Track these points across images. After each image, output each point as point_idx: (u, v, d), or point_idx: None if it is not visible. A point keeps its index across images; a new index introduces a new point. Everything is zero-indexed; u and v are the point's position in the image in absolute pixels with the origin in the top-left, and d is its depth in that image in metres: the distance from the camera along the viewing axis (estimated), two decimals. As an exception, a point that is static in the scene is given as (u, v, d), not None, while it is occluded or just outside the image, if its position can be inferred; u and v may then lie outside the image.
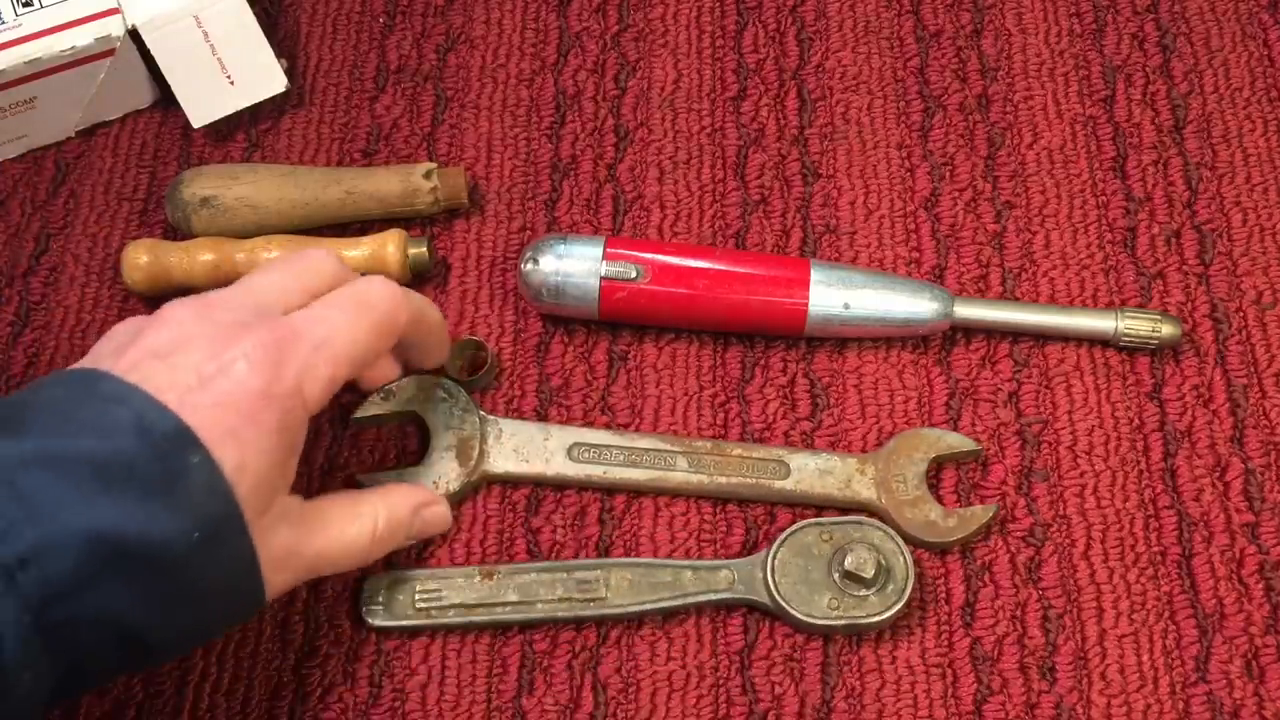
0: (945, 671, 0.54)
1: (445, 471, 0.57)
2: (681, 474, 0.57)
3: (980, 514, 0.56)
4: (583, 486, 0.58)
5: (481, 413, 0.58)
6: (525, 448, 0.58)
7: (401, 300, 0.52)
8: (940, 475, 0.58)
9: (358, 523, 0.51)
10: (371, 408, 0.58)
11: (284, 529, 0.47)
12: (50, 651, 0.42)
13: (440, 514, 0.55)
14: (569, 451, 0.58)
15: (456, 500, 0.57)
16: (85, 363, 0.48)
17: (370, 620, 0.55)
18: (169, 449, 0.43)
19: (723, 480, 0.57)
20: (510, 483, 0.58)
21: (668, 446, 0.58)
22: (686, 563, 0.56)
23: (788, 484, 0.57)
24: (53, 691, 0.43)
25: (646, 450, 0.58)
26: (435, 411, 0.58)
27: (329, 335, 0.49)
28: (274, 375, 0.46)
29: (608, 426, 0.59)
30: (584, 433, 0.58)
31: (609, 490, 0.58)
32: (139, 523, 0.42)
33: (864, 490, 0.57)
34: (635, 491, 0.58)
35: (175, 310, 0.48)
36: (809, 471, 0.57)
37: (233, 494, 0.44)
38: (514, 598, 0.55)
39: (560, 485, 0.58)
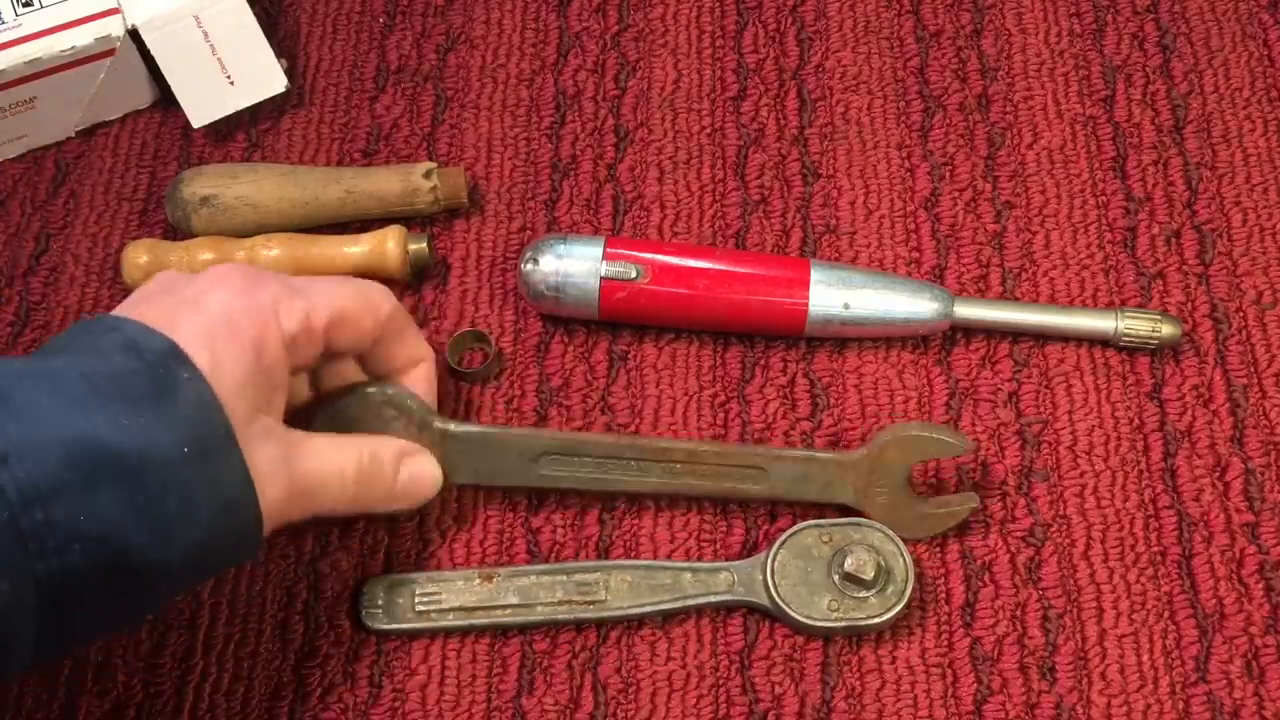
0: (945, 671, 0.54)
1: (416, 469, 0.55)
2: (658, 478, 0.56)
3: (962, 505, 0.56)
4: (559, 491, 0.57)
5: (442, 424, 0.55)
6: (490, 457, 0.56)
7: (384, 290, 0.54)
8: (936, 463, 0.58)
9: (344, 452, 0.51)
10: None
11: (271, 443, 0.48)
12: (31, 560, 0.41)
13: (425, 469, 0.54)
14: (537, 460, 0.56)
15: (420, 517, 0.57)
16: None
17: (370, 624, 0.55)
18: (159, 364, 0.45)
19: (708, 484, 0.56)
20: (485, 489, 0.58)
21: (645, 450, 0.56)
22: (686, 564, 0.56)
23: (768, 486, 0.56)
24: (38, 625, 0.42)
25: (624, 455, 0.56)
26: (386, 431, 0.55)
27: (309, 283, 0.51)
28: (248, 294, 0.49)
29: (579, 429, 0.59)
30: (552, 440, 0.56)
31: (584, 494, 0.58)
32: (126, 431, 0.43)
33: (846, 489, 0.56)
34: (614, 494, 0.58)
35: (171, 272, 0.52)
36: (790, 473, 0.56)
37: (222, 410, 0.45)
38: (514, 600, 0.55)
39: (536, 490, 0.57)
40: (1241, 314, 0.61)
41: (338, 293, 0.52)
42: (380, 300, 0.54)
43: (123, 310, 0.48)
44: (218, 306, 0.48)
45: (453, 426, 0.56)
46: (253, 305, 0.48)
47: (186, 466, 0.44)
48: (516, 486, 0.57)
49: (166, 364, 0.45)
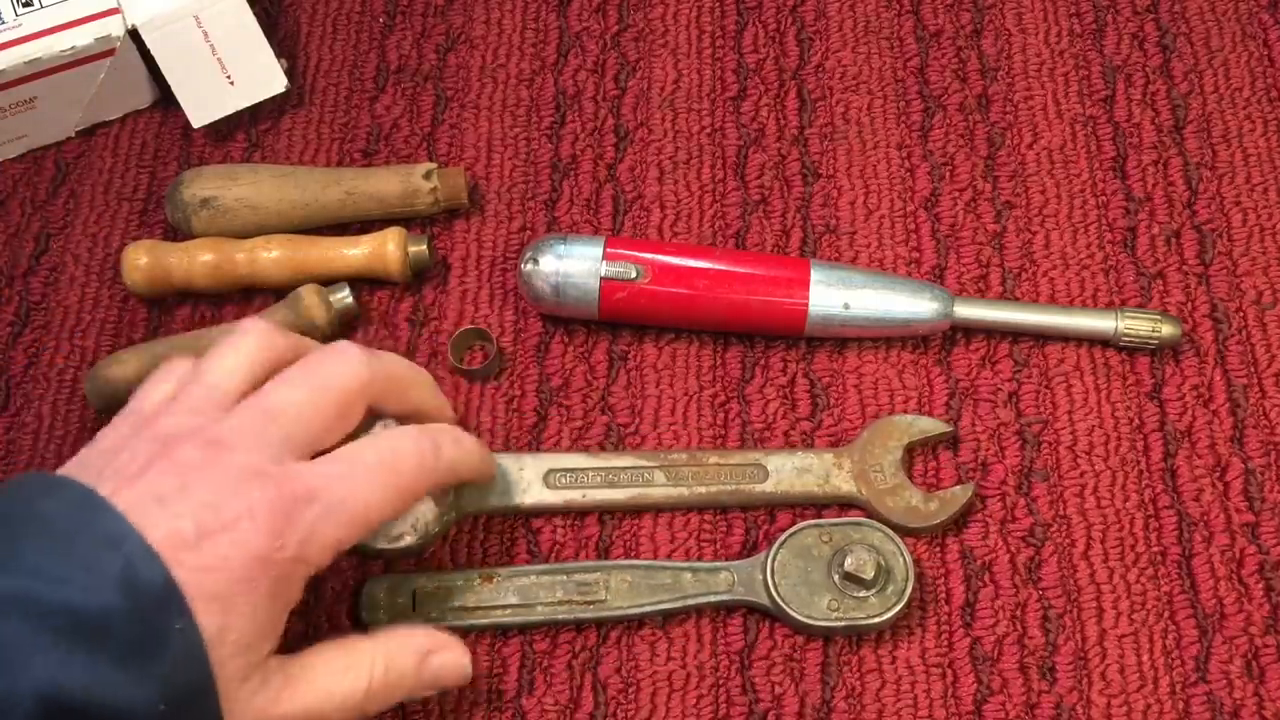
0: (945, 671, 0.54)
1: (421, 514, 0.54)
2: (660, 489, 0.57)
3: (960, 494, 0.56)
4: (563, 513, 0.57)
5: None
6: (501, 480, 0.57)
7: (431, 465, 0.49)
8: (936, 464, 0.58)
9: (349, 676, 0.47)
10: None
11: (261, 695, 0.44)
12: None
13: (454, 662, 0.50)
14: (545, 479, 0.57)
15: (434, 541, 0.56)
16: (91, 461, 0.45)
17: (370, 624, 0.55)
18: (153, 610, 0.42)
19: (702, 490, 0.57)
20: (492, 516, 0.57)
21: (644, 462, 0.57)
22: (686, 564, 0.56)
23: (767, 486, 0.57)
24: None
25: (624, 469, 0.57)
26: None
27: (345, 497, 0.46)
28: (276, 541, 0.44)
29: (584, 449, 0.59)
30: (559, 458, 0.58)
31: (588, 513, 0.58)
32: (105, 687, 0.40)
33: (843, 484, 0.57)
34: (617, 511, 0.58)
35: (189, 448, 0.45)
36: (787, 471, 0.57)
37: (210, 667, 0.42)
38: (514, 600, 0.55)
39: (540, 514, 0.57)
40: (1241, 314, 0.61)
41: (377, 501, 0.47)
42: (419, 487, 0.49)
43: (133, 508, 0.43)
44: (237, 553, 0.43)
45: None
46: (279, 554, 0.44)
47: None
48: (527, 507, 0.57)
49: (161, 612, 0.42)
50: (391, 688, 0.48)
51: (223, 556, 0.43)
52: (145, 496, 0.44)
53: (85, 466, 0.46)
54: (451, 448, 0.51)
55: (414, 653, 0.49)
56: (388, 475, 0.48)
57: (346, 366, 0.49)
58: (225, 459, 0.45)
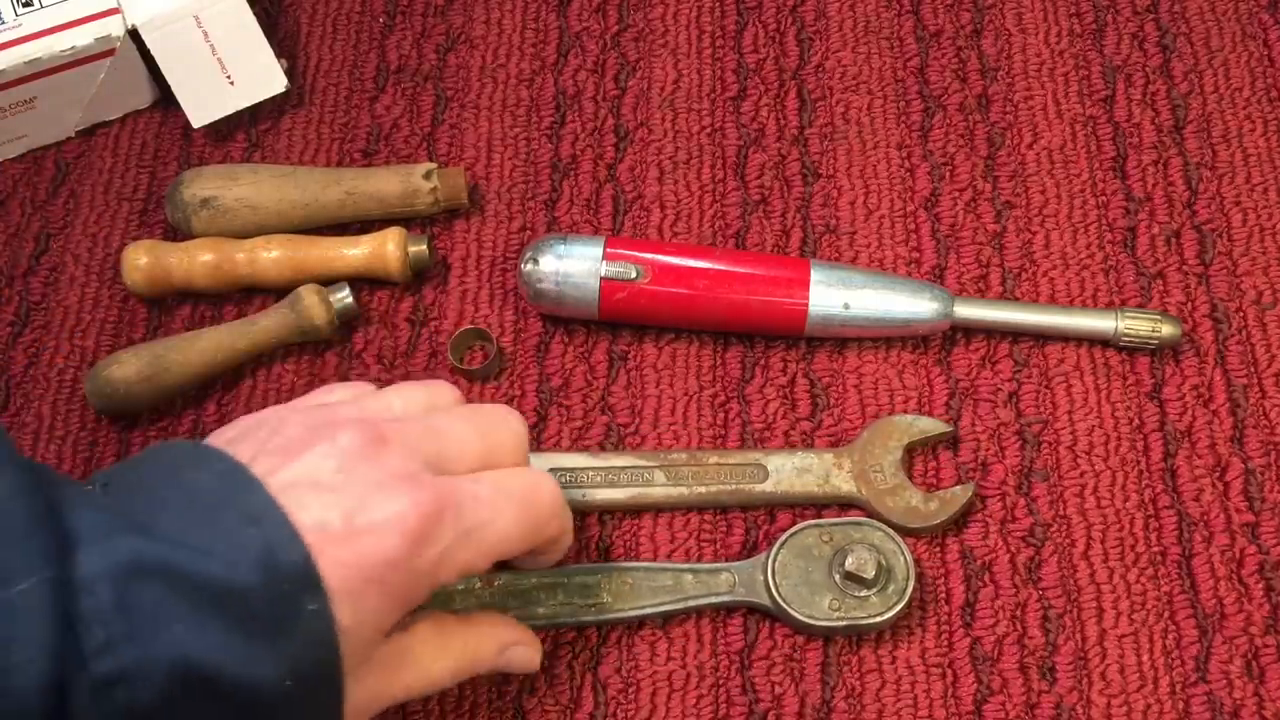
0: (945, 671, 0.54)
1: None
2: (661, 489, 0.57)
3: (960, 494, 0.56)
4: None
5: None
6: None
7: (560, 512, 0.50)
8: (936, 464, 0.58)
9: (443, 658, 0.49)
10: None
11: (372, 678, 0.46)
12: None
13: (527, 656, 0.52)
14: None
15: None
16: (251, 432, 0.46)
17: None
18: (289, 590, 0.42)
19: (702, 490, 0.57)
20: None
21: (644, 462, 0.57)
22: (686, 565, 0.56)
23: (767, 486, 0.57)
24: None
25: (624, 469, 0.57)
26: None
27: (487, 522, 0.47)
28: (417, 550, 0.44)
29: (584, 449, 0.59)
30: (558, 458, 0.58)
31: (588, 513, 0.58)
32: (236, 660, 0.41)
33: (843, 484, 0.57)
34: (617, 511, 0.58)
35: (352, 435, 0.46)
36: (787, 471, 0.57)
37: (338, 651, 0.43)
38: (515, 605, 0.55)
39: None
40: (1241, 314, 0.61)
41: (512, 534, 0.48)
42: (548, 529, 0.50)
43: (284, 490, 0.43)
44: (379, 554, 0.43)
45: None
46: (416, 563, 0.44)
47: (283, 699, 0.43)
48: None
49: (296, 592, 0.42)
50: (473, 669, 0.50)
51: (364, 555, 0.43)
52: (302, 478, 0.44)
53: (247, 434, 0.46)
54: (569, 516, 0.52)
55: (497, 641, 0.51)
56: (525, 508, 0.48)
57: (510, 422, 0.50)
58: (385, 455, 0.45)
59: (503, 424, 0.50)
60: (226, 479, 0.44)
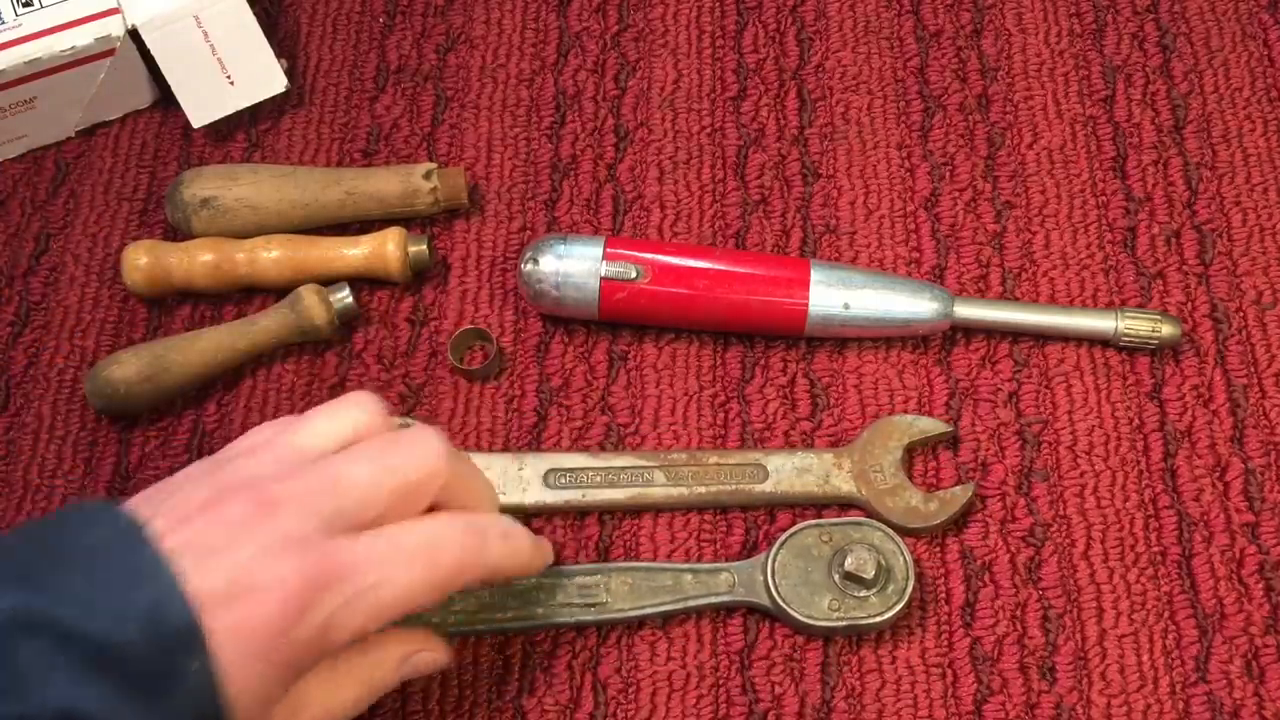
0: (945, 671, 0.54)
1: None
2: (661, 489, 0.57)
3: (960, 494, 0.56)
4: (563, 513, 0.58)
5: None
6: (499, 481, 0.57)
7: (472, 561, 0.48)
8: (936, 464, 0.58)
9: (340, 692, 0.48)
10: None
11: None
12: None
13: (431, 658, 0.51)
14: (545, 479, 0.57)
15: None
16: (160, 493, 0.46)
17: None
18: (172, 649, 0.42)
19: (702, 490, 0.57)
20: None
21: (644, 462, 0.57)
22: (686, 566, 0.56)
23: (767, 486, 0.57)
24: None
25: (624, 469, 0.57)
26: None
27: (381, 582, 0.46)
28: (299, 617, 0.44)
29: (584, 449, 0.59)
30: (559, 458, 0.58)
31: (588, 513, 0.58)
32: (117, 717, 0.41)
33: (843, 484, 0.57)
34: (617, 511, 0.58)
35: (245, 501, 0.45)
36: (787, 471, 0.57)
37: (221, 712, 0.43)
38: (515, 605, 0.55)
39: (540, 514, 0.57)
40: (1241, 314, 0.61)
41: (412, 594, 0.46)
42: (458, 581, 0.48)
43: (178, 551, 0.43)
44: (259, 620, 0.43)
45: (460, 450, 0.54)
46: (299, 633, 0.44)
47: None
48: (527, 507, 0.57)
49: (180, 652, 0.42)
50: (377, 691, 0.49)
51: (246, 620, 0.43)
52: (195, 543, 0.44)
53: (150, 497, 0.46)
54: (499, 543, 0.50)
55: (395, 657, 0.50)
56: (425, 568, 0.47)
57: (423, 459, 0.48)
58: (271, 522, 0.45)
59: (418, 459, 0.48)
60: (121, 538, 0.43)
